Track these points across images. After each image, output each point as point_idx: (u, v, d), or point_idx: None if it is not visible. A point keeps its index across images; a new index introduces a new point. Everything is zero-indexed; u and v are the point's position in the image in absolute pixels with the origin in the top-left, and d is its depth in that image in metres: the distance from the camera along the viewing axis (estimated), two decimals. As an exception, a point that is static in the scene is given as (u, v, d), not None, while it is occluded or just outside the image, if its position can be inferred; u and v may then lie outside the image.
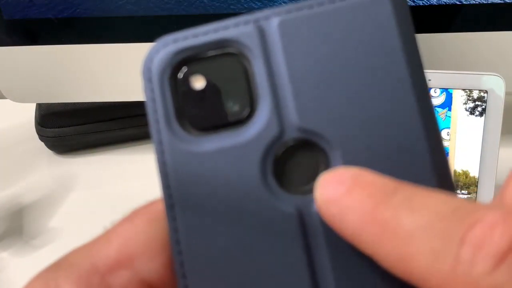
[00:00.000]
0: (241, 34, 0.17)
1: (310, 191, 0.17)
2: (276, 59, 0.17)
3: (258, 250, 0.16)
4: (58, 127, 0.56)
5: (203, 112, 0.17)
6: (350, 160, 0.16)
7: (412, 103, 0.17)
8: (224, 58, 0.17)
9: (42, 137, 0.56)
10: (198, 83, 0.17)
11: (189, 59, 0.17)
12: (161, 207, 0.17)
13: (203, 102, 0.17)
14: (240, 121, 0.17)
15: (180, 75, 0.17)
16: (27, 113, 0.59)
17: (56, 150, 0.58)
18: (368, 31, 0.17)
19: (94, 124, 0.56)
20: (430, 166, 0.16)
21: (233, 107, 0.17)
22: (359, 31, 0.17)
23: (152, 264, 0.17)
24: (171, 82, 0.17)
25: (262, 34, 0.17)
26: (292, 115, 0.17)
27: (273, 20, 0.17)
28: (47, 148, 0.57)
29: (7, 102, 0.54)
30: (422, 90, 0.17)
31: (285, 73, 0.17)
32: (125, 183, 0.53)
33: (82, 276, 0.17)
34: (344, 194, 0.15)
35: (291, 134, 0.17)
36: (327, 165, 0.17)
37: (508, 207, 0.15)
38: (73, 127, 0.56)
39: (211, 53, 0.17)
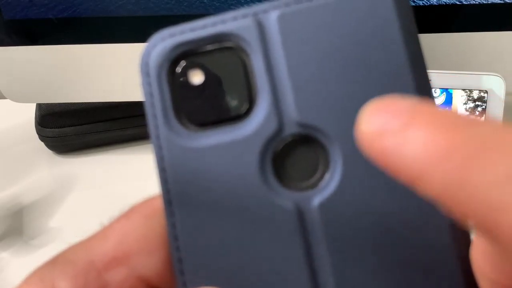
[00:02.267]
0: (239, 28, 0.17)
1: (309, 187, 0.17)
2: (275, 53, 0.17)
3: (256, 246, 0.16)
4: (58, 127, 0.56)
5: (201, 107, 0.17)
6: (350, 156, 0.16)
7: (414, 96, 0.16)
8: (222, 52, 0.17)
9: (42, 137, 0.56)
10: (196, 77, 0.17)
11: (187, 53, 0.17)
12: (158, 204, 0.17)
13: (201, 97, 0.17)
14: (239, 116, 0.17)
15: (178, 69, 0.17)
16: (27, 113, 0.59)
17: (56, 150, 0.58)
18: (368, 25, 0.17)
19: (94, 124, 0.56)
20: None
21: (231, 102, 0.17)
22: (359, 24, 0.17)
23: (149, 261, 0.17)
24: (169, 77, 0.17)
25: (260, 28, 0.17)
26: (291, 110, 0.17)
27: (271, 14, 0.17)
28: (47, 148, 0.57)
29: (7, 102, 0.54)
30: (423, 84, 0.16)
31: (284, 67, 0.17)
32: (125, 183, 0.53)
33: (79, 272, 0.17)
34: (404, 125, 0.12)
35: (290, 129, 0.17)
36: (326, 161, 0.17)
37: None
38: (73, 127, 0.56)
39: (209, 47, 0.17)
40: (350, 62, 0.17)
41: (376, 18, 0.17)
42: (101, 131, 0.56)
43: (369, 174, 0.16)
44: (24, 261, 0.46)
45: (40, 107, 0.56)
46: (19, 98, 0.53)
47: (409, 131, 0.12)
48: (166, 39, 0.17)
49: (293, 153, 0.17)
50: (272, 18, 0.17)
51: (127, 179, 0.54)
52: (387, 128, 0.12)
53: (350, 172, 0.16)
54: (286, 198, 0.17)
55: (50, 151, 0.58)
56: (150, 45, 0.17)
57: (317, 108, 0.17)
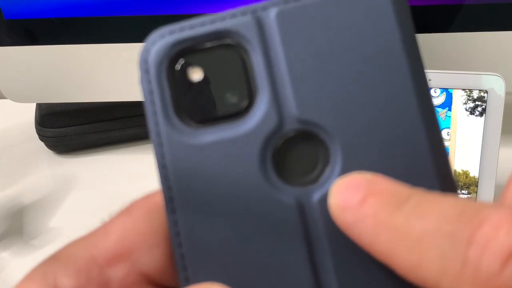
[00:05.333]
0: (238, 25, 0.17)
1: (309, 182, 0.17)
2: (275, 50, 0.17)
3: (258, 241, 0.16)
4: (58, 127, 0.55)
5: (201, 104, 0.17)
6: (350, 151, 0.17)
7: (411, 94, 0.17)
8: (222, 50, 0.17)
9: (42, 137, 0.56)
10: (196, 74, 0.17)
11: (186, 51, 0.17)
12: (159, 199, 0.17)
13: (201, 94, 0.17)
14: (239, 113, 0.17)
15: (178, 66, 0.17)
16: (27, 113, 0.59)
17: (56, 150, 0.58)
18: (367, 21, 0.17)
19: (94, 124, 0.56)
20: (430, 160, 0.16)
21: (231, 99, 0.17)
22: (358, 21, 0.17)
23: (151, 256, 0.17)
24: (168, 74, 0.17)
25: (260, 25, 0.17)
26: (291, 106, 0.17)
27: (270, 11, 0.17)
28: (47, 148, 0.57)
29: (7, 102, 0.54)
30: (421, 80, 0.17)
31: (283, 64, 0.17)
32: (125, 183, 0.53)
33: (80, 268, 0.17)
34: (359, 203, 0.15)
35: (290, 126, 0.17)
36: (326, 156, 0.17)
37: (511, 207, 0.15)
38: (73, 127, 0.56)
39: (209, 44, 0.17)
40: (349, 58, 0.17)
41: (374, 16, 0.17)
42: (101, 131, 0.56)
43: (368, 169, 0.16)
44: (24, 261, 0.46)
45: (40, 107, 0.56)
46: (19, 98, 0.53)
47: (361, 209, 0.15)
48: (165, 36, 0.17)
49: (293, 148, 0.17)
50: (271, 16, 0.17)
51: (127, 179, 0.54)
52: (345, 205, 0.15)
53: (349, 167, 0.16)
54: (286, 193, 0.17)
55: (50, 151, 0.58)
56: (149, 43, 0.17)
57: (316, 104, 0.17)
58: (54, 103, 0.56)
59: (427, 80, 0.17)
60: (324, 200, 0.17)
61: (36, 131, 0.56)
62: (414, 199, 0.15)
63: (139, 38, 0.48)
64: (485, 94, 0.43)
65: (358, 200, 0.15)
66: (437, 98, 0.45)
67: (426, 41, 0.47)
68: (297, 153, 0.17)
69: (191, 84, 0.17)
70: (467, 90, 0.44)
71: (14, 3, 0.46)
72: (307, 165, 0.17)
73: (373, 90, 0.17)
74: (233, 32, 0.17)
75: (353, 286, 0.16)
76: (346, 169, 0.16)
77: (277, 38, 0.17)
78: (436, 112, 0.17)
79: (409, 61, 0.17)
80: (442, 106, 0.44)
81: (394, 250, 0.15)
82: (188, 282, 0.17)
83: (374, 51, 0.17)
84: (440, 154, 0.16)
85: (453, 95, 0.44)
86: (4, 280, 0.45)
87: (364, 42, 0.17)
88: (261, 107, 0.17)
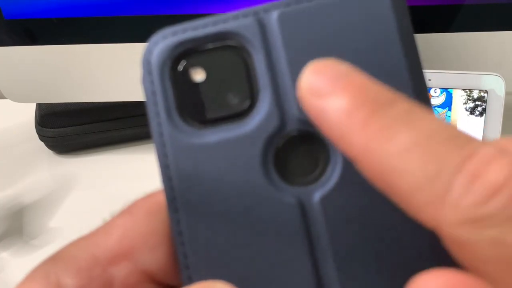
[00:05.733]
0: (241, 27, 0.17)
1: (310, 182, 0.17)
2: (276, 51, 0.17)
3: (260, 240, 0.17)
4: (58, 127, 0.56)
5: (203, 105, 0.17)
6: None
7: (410, 94, 0.17)
8: (224, 51, 0.17)
9: (42, 137, 0.56)
10: (198, 75, 0.17)
11: (189, 52, 0.17)
12: (160, 199, 0.17)
13: (203, 94, 0.17)
14: (241, 114, 0.17)
15: (180, 67, 0.17)
16: (27, 113, 0.59)
17: (56, 150, 0.58)
18: (367, 24, 0.17)
19: (94, 124, 0.56)
20: None
21: (233, 99, 0.17)
22: (358, 22, 0.17)
23: (153, 255, 0.17)
24: (171, 75, 0.17)
25: (261, 27, 0.17)
26: (293, 107, 0.17)
27: (272, 13, 0.17)
28: (47, 148, 0.57)
29: (7, 102, 0.54)
30: (419, 79, 0.17)
31: (285, 66, 0.17)
32: (125, 183, 0.53)
33: (83, 267, 0.17)
34: (334, 91, 0.14)
35: (292, 126, 0.17)
36: (327, 156, 0.17)
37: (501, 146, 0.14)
38: (73, 127, 0.56)
39: (211, 45, 0.17)
40: (349, 60, 0.17)
41: (374, 18, 0.17)
42: (101, 131, 0.56)
43: None
44: (24, 261, 0.46)
45: (40, 107, 0.56)
46: (19, 98, 0.53)
47: (336, 97, 0.14)
48: (168, 37, 0.17)
49: (295, 149, 0.17)
50: (272, 18, 0.17)
51: (127, 179, 0.54)
52: (319, 89, 0.14)
53: (350, 167, 0.17)
54: (288, 192, 0.17)
55: (50, 151, 0.58)
56: (152, 43, 0.17)
57: None
58: (54, 103, 0.56)
59: (425, 79, 0.17)
60: (325, 199, 0.17)
61: (36, 131, 0.56)
62: (400, 105, 0.14)
63: (139, 38, 0.48)
64: (485, 94, 0.43)
65: (332, 88, 0.14)
66: (437, 98, 0.45)
67: (426, 41, 0.47)
68: (298, 153, 0.17)
69: (194, 84, 0.17)
70: (467, 90, 0.44)
71: (14, 3, 0.46)
72: (308, 165, 0.17)
73: None
74: (235, 33, 0.17)
75: (354, 284, 0.16)
76: (346, 169, 0.17)
77: (279, 40, 0.17)
78: (433, 108, 0.17)
79: (409, 63, 0.17)
80: (442, 106, 0.44)
81: (369, 153, 0.14)
82: (191, 280, 0.17)
83: (374, 53, 0.17)
84: None
85: (453, 95, 0.44)
86: (4, 280, 0.45)
87: (364, 44, 0.17)
88: (263, 108, 0.17)
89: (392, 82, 0.17)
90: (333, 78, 0.15)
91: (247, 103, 0.17)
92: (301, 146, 0.17)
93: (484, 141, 0.14)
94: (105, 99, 0.53)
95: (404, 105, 0.14)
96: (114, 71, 0.50)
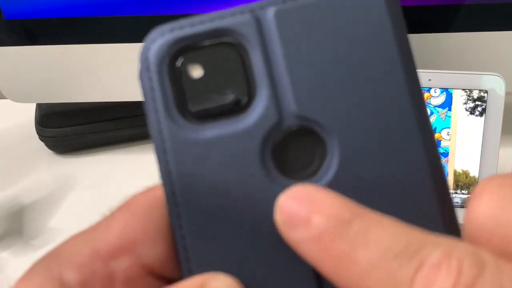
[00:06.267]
0: (238, 24, 0.17)
1: (308, 175, 0.17)
2: (273, 48, 0.17)
3: (259, 233, 0.17)
4: (58, 127, 0.56)
5: (201, 101, 0.17)
6: (346, 145, 0.17)
7: (404, 90, 0.17)
8: (221, 47, 0.17)
9: (42, 137, 0.56)
10: (196, 72, 0.17)
11: (187, 48, 0.17)
12: (158, 194, 0.18)
13: (201, 90, 0.17)
14: (239, 109, 0.17)
15: (178, 63, 0.17)
16: (27, 113, 0.59)
17: (56, 150, 0.58)
18: (362, 21, 0.17)
19: (94, 124, 0.56)
20: (422, 153, 0.17)
21: (231, 95, 0.17)
22: (353, 19, 0.17)
23: (153, 249, 0.17)
24: (169, 71, 0.17)
25: (258, 24, 0.17)
26: (290, 103, 0.17)
27: (269, 10, 0.17)
28: (47, 148, 0.57)
29: (7, 102, 0.54)
30: (413, 77, 0.17)
31: (282, 62, 0.17)
32: (125, 183, 0.53)
33: (84, 261, 0.17)
34: (304, 223, 0.15)
35: (289, 121, 0.17)
36: (324, 150, 0.17)
37: (470, 235, 0.16)
38: (73, 127, 0.56)
39: (208, 42, 0.17)
40: (344, 56, 0.17)
41: (368, 15, 0.17)
42: (101, 131, 0.56)
43: (364, 162, 0.17)
44: (24, 261, 0.46)
45: (40, 107, 0.56)
46: (19, 98, 0.53)
47: (308, 231, 0.15)
48: (165, 34, 0.17)
49: (293, 144, 0.17)
50: (269, 14, 0.17)
51: (127, 179, 0.54)
52: (292, 224, 0.16)
53: (346, 161, 0.17)
54: (286, 186, 0.17)
55: (50, 151, 0.58)
56: (149, 40, 0.18)
57: (314, 101, 0.17)
58: (54, 103, 0.56)
59: (419, 77, 0.17)
60: None
61: (36, 131, 0.56)
62: (358, 223, 0.15)
63: (139, 38, 0.48)
64: (485, 94, 0.43)
65: (302, 219, 0.15)
66: (437, 98, 0.45)
67: (426, 41, 0.47)
68: (296, 147, 0.17)
69: (192, 80, 0.17)
70: (467, 90, 0.44)
71: (14, 3, 0.46)
72: (306, 159, 0.17)
73: (368, 87, 0.17)
74: (232, 30, 0.17)
75: None
76: (343, 162, 0.17)
77: (275, 36, 0.17)
78: (426, 105, 0.17)
79: (402, 58, 0.17)
80: (442, 106, 0.44)
81: (339, 276, 0.15)
82: (191, 273, 0.17)
83: (369, 49, 0.17)
84: (430, 142, 0.17)
85: (453, 95, 0.44)
86: (4, 280, 0.45)
87: (359, 40, 0.17)
88: (261, 104, 0.17)
89: (387, 78, 0.17)
90: (300, 208, 0.16)
91: (245, 99, 0.17)
92: (298, 141, 0.17)
93: (435, 242, 0.15)
94: (105, 99, 0.53)
95: (359, 223, 0.15)
96: (114, 71, 0.50)
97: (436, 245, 0.15)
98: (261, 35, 0.17)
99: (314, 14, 0.17)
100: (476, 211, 0.15)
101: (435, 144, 0.17)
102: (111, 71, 0.50)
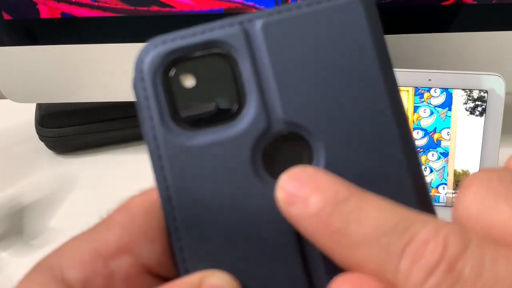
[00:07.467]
0: (227, 35, 0.18)
1: None
2: (261, 58, 0.18)
3: (252, 234, 0.18)
4: (58, 127, 0.56)
5: (194, 109, 0.19)
6: (332, 148, 0.18)
7: (383, 95, 0.18)
8: (212, 58, 0.19)
9: (42, 137, 0.56)
10: (188, 81, 0.18)
11: (179, 59, 0.18)
12: (154, 196, 0.18)
13: (193, 99, 0.19)
14: (230, 116, 0.18)
15: (171, 74, 0.18)
16: (27, 113, 0.59)
17: (56, 150, 0.58)
18: (343, 31, 0.18)
19: (94, 124, 0.56)
20: (400, 150, 0.18)
21: (222, 103, 0.19)
22: (335, 31, 0.18)
23: (151, 250, 0.18)
24: (162, 81, 0.18)
25: (246, 35, 0.18)
26: (278, 110, 0.18)
27: (256, 22, 0.18)
28: (47, 148, 0.57)
29: (7, 102, 0.54)
30: (391, 83, 0.18)
31: (269, 71, 0.18)
32: (125, 183, 0.53)
33: (86, 260, 0.18)
34: (303, 200, 0.16)
35: (278, 127, 0.18)
36: (310, 154, 0.18)
37: (457, 219, 0.17)
38: (73, 127, 0.56)
39: (199, 53, 0.19)
40: (327, 64, 0.18)
41: (349, 26, 0.18)
42: (101, 131, 0.56)
43: (348, 164, 0.18)
44: (24, 261, 0.46)
45: (40, 107, 0.56)
46: (19, 98, 0.53)
47: (306, 207, 0.16)
48: (158, 46, 0.18)
49: (282, 148, 0.19)
50: (256, 27, 0.18)
51: (127, 179, 0.54)
52: (292, 200, 0.17)
53: (331, 163, 0.18)
54: (275, 188, 0.18)
55: (50, 151, 0.58)
56: (143, 52, 0.18)
57: (300, 108, 0.18)
58: (54, 103, 0.56)
59: (396, 77, 0.18)
60: None
61: (36, 131, 0.56)
62: (353, 201, 0.16)
63: (139, 38, 0.48)
64: (485, 94, 0.43)
65: (302, 197, 0.16)
66: (437, 98, 0.45)
67: (427, 41, 0.47)
68: (285, 152, 0.19)
69: (185, 90, 0.18)
70: (467, 90, 0.44)
71: (14, 3, 0.46)
72: (294, 162, 0.18)
73: (349, 92, 0.18)
74: (222, 42, 0.18)
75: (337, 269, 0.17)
76: (329, 164, 0.18)
77: (263, 47, 0.18)
78: (403, 104, 0.19)
79: (380, 64, 0.18)
80: (442, 106, 0.45)
81: (334, 249, 0.16)
82: (188, 272, 0.18)
83: (350, 57, 0.18)
84: (408, 142, 0.18)
85: (453, 95, 0.44)
86: (4, 280, 0.45)
87: (340, 48, 0.18)
88: (250, 111, 0.18)
89: (367, 83, 0.18)
90: (300, 186, 0.17)
91: (235, 106, 0.18)
92: (287, 145, 0.18)
93: (424, 221, 0.16)
94: (105, 99, 0.53)
95: (354, 200, 0.16)
96: (114, 71, 0.50)
97: (425, 224, 0.16)
98: (249, 46, 0.18)
99: (298, 25, 0.18)
100: (464, 200, 0.17)
101: (411, 139, 0.18)
102: (111, 71, 0.50)
